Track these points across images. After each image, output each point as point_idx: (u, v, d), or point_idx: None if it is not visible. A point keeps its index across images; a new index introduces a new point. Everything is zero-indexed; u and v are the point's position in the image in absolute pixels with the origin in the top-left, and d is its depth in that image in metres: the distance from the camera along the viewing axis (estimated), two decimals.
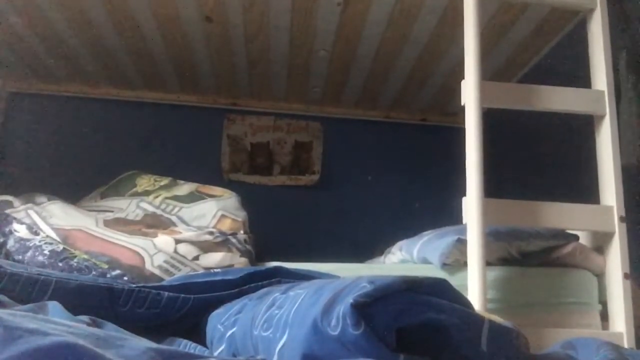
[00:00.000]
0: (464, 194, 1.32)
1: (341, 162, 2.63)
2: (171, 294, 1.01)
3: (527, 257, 1.49)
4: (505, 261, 1.49)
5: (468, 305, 0.64)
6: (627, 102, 1.58)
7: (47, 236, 1.47)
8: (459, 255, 1.42)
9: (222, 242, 1.51)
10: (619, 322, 1.32)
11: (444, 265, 1.45)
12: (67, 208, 1.64)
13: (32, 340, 0.45)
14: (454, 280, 0.69)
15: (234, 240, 1.53)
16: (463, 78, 1.37)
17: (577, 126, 1.88)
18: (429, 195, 2.47)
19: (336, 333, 0.56)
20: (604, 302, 1.41)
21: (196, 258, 1.44)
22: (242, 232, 1.62)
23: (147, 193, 1.81)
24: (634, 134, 1.55)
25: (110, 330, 0.81)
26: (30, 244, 1.42)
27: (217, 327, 0.91)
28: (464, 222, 1.31)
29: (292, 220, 2.45)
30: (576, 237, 1.50)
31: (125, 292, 0.98)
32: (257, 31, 1.97)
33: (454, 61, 2.01)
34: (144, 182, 1.88)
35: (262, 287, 1.02)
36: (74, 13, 1.87)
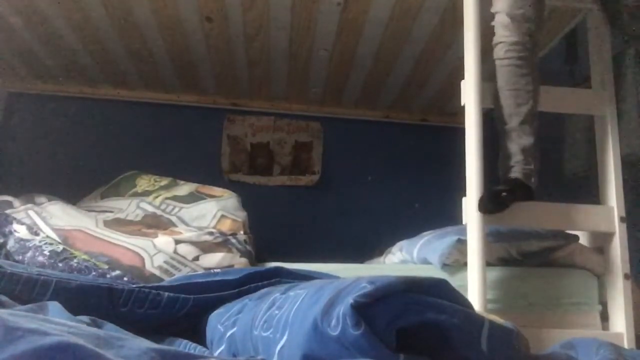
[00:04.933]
0: (464, 194, 1.32)
1: (341, 162, 2.63)
2: (171, 294, 1.01)
3: (527, 257, 1.49)
4: (505, 261, 1.48)
5: (468, 305, 0.64)
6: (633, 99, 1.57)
7: (47, 236, 1.47)
8: (459, 256, 1.42)
9: (222, 243, 1.51)
10: (619, 323, 1.32)
11: (444, 266, 1.44)
12: (67, 208, 1.64)
13: (32, 340, 0.45)
14: (454, 281, 0.69)
15: (233, 241, 1.53)
16: (463, 78, 1.37)
17: (577, 126, 1.88)
18: (429, 195, 2.47)
19: (336, 333, 0.56)
20: (604, 303, 1.41)
21: (196, 258, 1.44)
22: (242, 232, 1.62)
23: (147, 193, 1.81)
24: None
25: (110, 330, 0.81)
26: (30, 245, 1.42)
27: (217, 327, 0.91)
28: (464, 222, 1.31)
29: (292, 220, 2.45)
30: (576, 238, 1.50)
31: (125, 292, 0.98)
32: (257, 31, 1.97)
33: (454, 61, 2.00)
34: (144, 182, 1.88)
35: (262, 287, 1.02)
36: (73, 13, 1.87)
